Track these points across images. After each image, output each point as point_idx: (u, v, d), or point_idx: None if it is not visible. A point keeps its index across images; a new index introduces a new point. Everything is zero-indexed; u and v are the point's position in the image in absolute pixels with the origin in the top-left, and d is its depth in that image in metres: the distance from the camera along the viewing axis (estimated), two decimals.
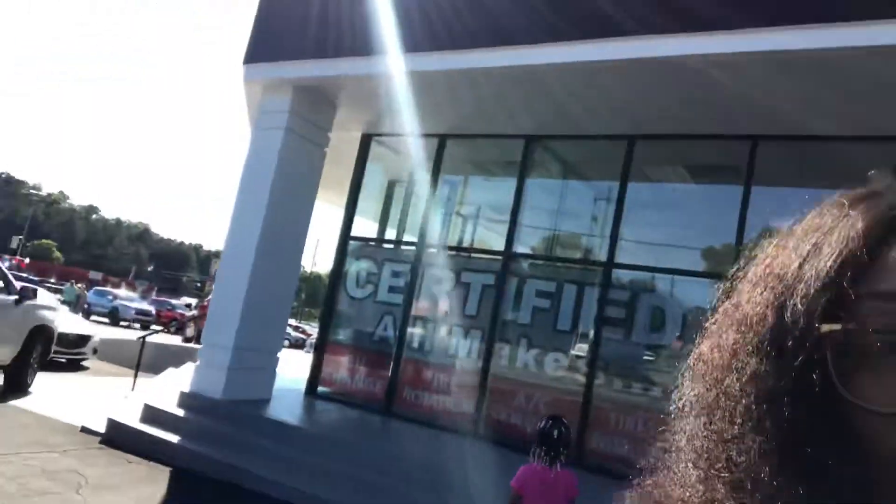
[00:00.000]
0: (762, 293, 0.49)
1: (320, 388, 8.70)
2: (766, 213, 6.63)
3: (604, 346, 7.11)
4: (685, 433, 0.52)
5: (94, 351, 12.35)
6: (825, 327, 0.44)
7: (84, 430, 7.11)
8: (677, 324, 6.88)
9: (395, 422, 7.84)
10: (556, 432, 3.72)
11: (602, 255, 7.33)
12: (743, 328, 0.49)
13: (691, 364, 0.54)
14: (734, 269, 0.54)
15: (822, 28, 4.78)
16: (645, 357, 7.16)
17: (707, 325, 0.54)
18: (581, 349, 7.35)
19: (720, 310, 0.53)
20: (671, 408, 0.55)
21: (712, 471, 0.48)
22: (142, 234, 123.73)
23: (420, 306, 8.43)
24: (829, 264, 0.46)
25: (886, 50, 4.63)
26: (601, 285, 7.26)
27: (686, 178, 7.79)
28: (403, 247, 9.04)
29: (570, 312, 7.43)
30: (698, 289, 6.98)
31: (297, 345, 27.63)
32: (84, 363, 12.37)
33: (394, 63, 6.66)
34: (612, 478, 5.88)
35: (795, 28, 4.86)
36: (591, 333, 7.24)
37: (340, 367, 8.73)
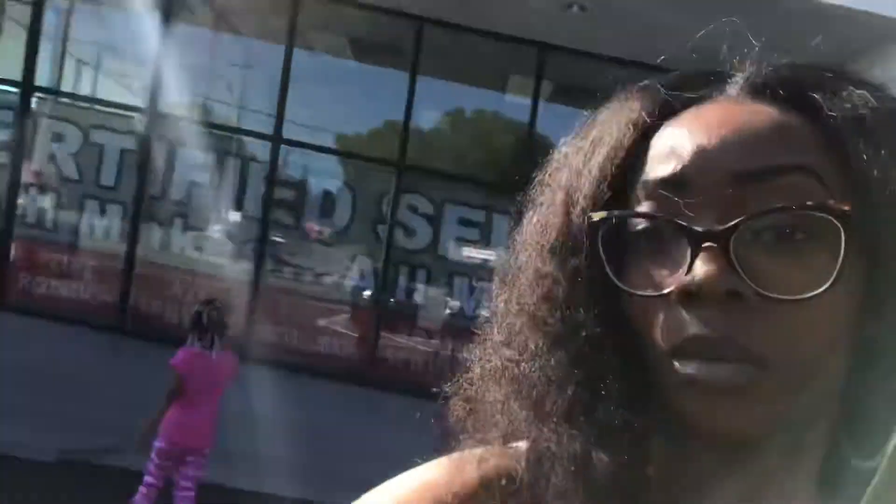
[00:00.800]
0: (555, 194, 0.50)
1: None
2: (434, 104, 6.84)
3: (271, 229, 6.71)
4: (486, 344, 0.52)
5: None
6: (596, 216, 0.44)
7: None
8: (346, 209, 6.83)
9: (9, 318, 6.22)
10: (206, 316, 3.83)
11: (268, 128, 6.70)
12: (540, 230, 0.50)
13: (499, 272, 0.53)
14: (538, 173, 0.53)
15: None
16: (311, 241, 7.01)
17: (516, 233, 0.53)
18: (246, 232, 6.82)
19: (527, 216, 0.53)
20: (482, 317, 0.54)
21: (503, 380, 0.48)
22: None
23: (35, 170, 6.78)
24: (604, 156, 0.47)
25: None
26: (267, 161, 6.70)
27: (348, 54, 7.50)
28: (1, 87, 7.02)
29: (232, 190, 6.79)
30: (369, 174, 7.03)
31: None
32: None
33: None
34: (278, 369, 5.75)
35: None
36: (257, 215, 6.72)
37: None
